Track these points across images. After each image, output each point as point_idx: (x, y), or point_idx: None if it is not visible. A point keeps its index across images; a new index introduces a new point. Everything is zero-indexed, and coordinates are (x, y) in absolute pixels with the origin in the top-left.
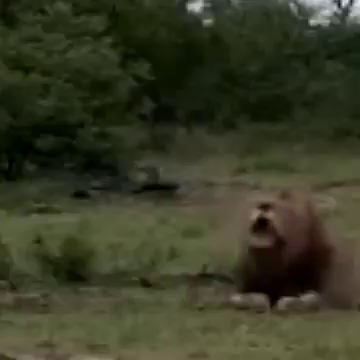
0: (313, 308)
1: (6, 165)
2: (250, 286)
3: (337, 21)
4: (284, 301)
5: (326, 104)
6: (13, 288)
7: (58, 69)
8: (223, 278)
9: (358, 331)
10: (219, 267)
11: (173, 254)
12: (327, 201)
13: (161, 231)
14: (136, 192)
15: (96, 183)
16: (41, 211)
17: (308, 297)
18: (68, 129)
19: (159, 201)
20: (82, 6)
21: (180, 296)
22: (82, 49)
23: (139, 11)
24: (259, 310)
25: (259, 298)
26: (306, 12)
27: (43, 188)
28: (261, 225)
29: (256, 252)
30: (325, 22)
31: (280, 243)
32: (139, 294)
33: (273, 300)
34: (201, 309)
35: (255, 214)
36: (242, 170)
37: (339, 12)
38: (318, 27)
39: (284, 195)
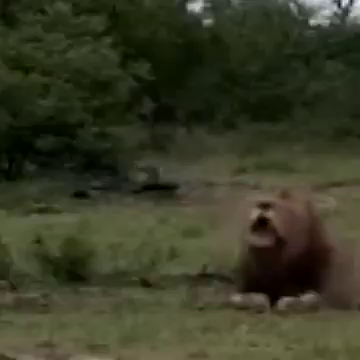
0: (313, 308)
1: (6, 165)
2: (250, 286)
3: (337, 21)
4: (284, 301)
5: (326, 104)
6: (13, 288)
7: (58, 69)
8: (223, 278)
9: (358, 331)
10: (219, 267)
11: (173, 254)
12: (327, 201)
13: (161, 231)
14: (136, 192)
15: (96, 183)
16: (41, 211)
17: (308, 297)
18: (68, 129)
19: (159, 201)
20: (82, 6)
21: (180, 296)
22: (82, 49)
23: (139, 11)
24: (259, 310)
25: (259, 298)
26: (306, 12)
27: (43, 188)
28: (261, 224)
29: (256, 251)
30: (325, 22)
31: (280, 242)
32: (139, 294)
33: (273, 300)
34: (201, 309)
35: (255, 213)
36: (242, 170)
37: (339, 12)
38: (318, 27)
39: (284, 195)
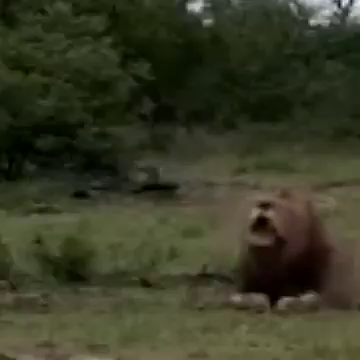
0: (313, 308)
1: (6, 165)
2: (250, 286)
3: (337, 21)
4: (284, 301)
5: (326, 104)
6: (13, 288)
7: (58, 69)
8: (223, 278)
9: (358, 331)
10: (219, 267)
11: (173, 254)
12: (327, 201)
13: (161, 231)
14: (136, 192)
15: (96, 183)
16: (41, 211)
17: (308, 297)
18: (68, 129)
19: (159, 201)
20: (82, 6)
21: (180, 296)
22: (82, 49)
23: (139, 11)
24: (259, 310)
25: (259, 298)
26: (306, 12)
27: (43, 188)
28: (261, 224)
29: (256, 251)
30: (325, 22)
31: (280, 242)
32: (139, 294)
33: (273, 300)
34: (201, 309)
35: (255, 213)
36: (242, 170)
37: (339, 12)
38: (318, 27)
39: (284, 194)
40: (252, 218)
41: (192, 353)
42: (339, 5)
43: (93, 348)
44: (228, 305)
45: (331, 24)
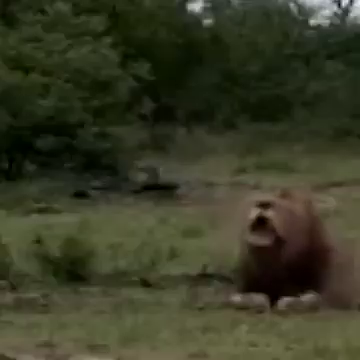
0: (313, 308)
1: (6, 165)
2: (250, 286)
3: (337, 21)
4: (284, 301)
5: (326, 104)
6: (13, 288)
7: (58, 69)
8: (223, 278)
9: (358, 331)
10: (219, 267)
11: (173, 254)
12: (327, 201)
13: (161, 231)
14: (136, 192)
15: (96, 183)
16: (41, 211)
17: (308, 297)
18: (68, 129)
19: (159, 201)
20: (82, 6)
21: (180, 296)
22: (82, 49)
23: (139, 11)
24: (259, 310)
25: (259, 298)
26: (306, 12)
27: (43, 188)
28: (260, 223)
29: (255, 250)
30: (325, 22)
31: (279, 242)
32: (139, 294)
33: (273, 300)
34: (201, 309)
35: (254, 212)
36: (242, 170)
37: (339, 12)
38: (318, 27)
39: (284, 194)
40: (252, 218)
41: (192, 353)
42: (339, 5)
43: (93, 348)
44: (228, 305)
45: (331, 24)
